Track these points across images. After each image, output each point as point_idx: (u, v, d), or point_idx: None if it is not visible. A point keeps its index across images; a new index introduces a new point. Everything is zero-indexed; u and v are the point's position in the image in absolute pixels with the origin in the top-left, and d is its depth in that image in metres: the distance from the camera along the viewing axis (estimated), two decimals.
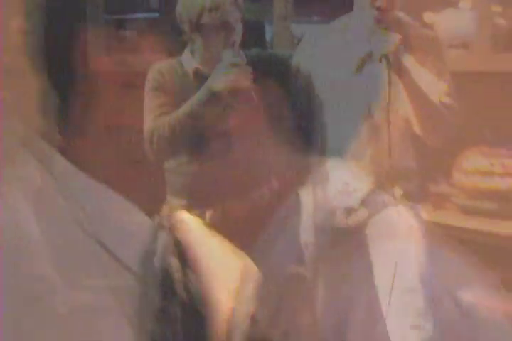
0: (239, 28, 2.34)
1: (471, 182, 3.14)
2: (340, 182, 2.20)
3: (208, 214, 2.41)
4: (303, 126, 2.34)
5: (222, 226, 2.37)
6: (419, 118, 2.11)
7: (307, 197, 2.31)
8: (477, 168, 3.14)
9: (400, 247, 2.18)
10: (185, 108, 2.24)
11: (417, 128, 2.15)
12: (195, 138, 2.29)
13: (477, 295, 3.21)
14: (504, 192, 3.13)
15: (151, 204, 2.57)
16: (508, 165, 3.13)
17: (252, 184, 2.45)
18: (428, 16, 3.53)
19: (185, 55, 2.43)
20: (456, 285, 2.32)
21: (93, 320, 3.34)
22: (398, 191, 2.25)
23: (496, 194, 3.13)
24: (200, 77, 2.33)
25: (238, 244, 2.34)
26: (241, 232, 2.37)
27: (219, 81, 2.19)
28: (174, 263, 2.35)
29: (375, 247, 2.21)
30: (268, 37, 4.36)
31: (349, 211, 2.19)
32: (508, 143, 3.25)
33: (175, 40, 2.60)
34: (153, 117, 2.28)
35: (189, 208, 2.42)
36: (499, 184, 3.13)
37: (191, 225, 2.41)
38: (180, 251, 2.36)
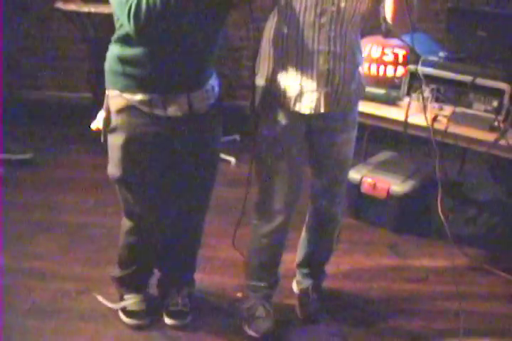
0: None
1: (365, 69, 3.35)
2: None
3: (171, 109, 2.33)
4: None
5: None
6: (396, 9, 2.22)
7: None
8: (371, 56, 3.36)
9: None
10: None
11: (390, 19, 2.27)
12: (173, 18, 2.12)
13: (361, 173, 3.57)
14: (391, 79, 3.39)
15: None
16: (397, 54, 3.37)
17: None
18: None
19: None
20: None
21: None
22: None
23: (385, 81, 3.39)
24: None
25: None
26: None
27: None
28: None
29: None
30: None
31: None
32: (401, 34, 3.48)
33: None
34: None
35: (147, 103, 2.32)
36: (388, 71, 3.38)
37: None
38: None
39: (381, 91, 3.36)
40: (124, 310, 2.78)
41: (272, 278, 2.80)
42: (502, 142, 2.94)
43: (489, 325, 2.88)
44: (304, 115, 2.42)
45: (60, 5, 4.36)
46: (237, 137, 4.64)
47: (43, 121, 4.69)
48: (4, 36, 4.83)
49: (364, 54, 3.36)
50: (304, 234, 2.89)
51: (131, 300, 2.79)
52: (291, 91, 2.37)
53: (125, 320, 2.76)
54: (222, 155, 4.32)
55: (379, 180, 3.55)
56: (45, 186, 3.85)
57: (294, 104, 2.38)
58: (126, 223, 2.64)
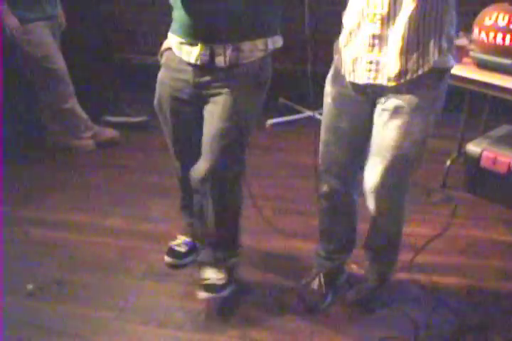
0: None
1: (489, 38, 3.21)
2: None
3: (193, 56, 2.40)
4: None
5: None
6: None
7: None
8: (497, 24, 3.21)
9: None
10: None
11: None
12: None
13: None
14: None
15: None
16: None
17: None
18: None
19: None
20: None
21: None
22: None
23: (511, 50, 3.23)
24: None
25: None
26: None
27: None
28: None
29: None
30: None
31: None
32: None
33: None
34: None
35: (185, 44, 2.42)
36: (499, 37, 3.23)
37: None
38: None
39: (507, 61, 3.21)
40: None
41: (328, 247, 2.72)
42: None
43: None
44: (361, 86, 2.24)
45: None
46: None
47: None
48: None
49: (489, 22, 3.25)
50: None
51: None
52: (347, 61, 2.23)
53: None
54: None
55: (500, 154, 3.41)
56: (160, 150, 3.90)
57: (349, 73, 2.24)
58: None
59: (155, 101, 2.60)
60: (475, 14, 3.31)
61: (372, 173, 2.32)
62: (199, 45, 2.37)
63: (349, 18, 2.19)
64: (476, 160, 3.47)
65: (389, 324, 2.63)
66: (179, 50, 2.43)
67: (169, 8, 2.46)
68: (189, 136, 2.61)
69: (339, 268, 2.79)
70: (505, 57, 3.22)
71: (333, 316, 2.67)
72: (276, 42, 2.45)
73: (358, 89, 2.27)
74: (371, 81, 2.19)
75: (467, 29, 3.33)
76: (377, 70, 2.17)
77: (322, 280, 2.73)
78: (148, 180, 3.69)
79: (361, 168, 2.43)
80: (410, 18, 2.07)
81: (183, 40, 2.41)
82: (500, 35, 3.24)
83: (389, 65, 2.15)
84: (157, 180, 3.68)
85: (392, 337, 2.54)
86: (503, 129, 3.74)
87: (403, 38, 2.10)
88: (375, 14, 2.10)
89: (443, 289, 2.80)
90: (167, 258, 2.95)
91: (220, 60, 2.37)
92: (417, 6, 2.05)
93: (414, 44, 2.12)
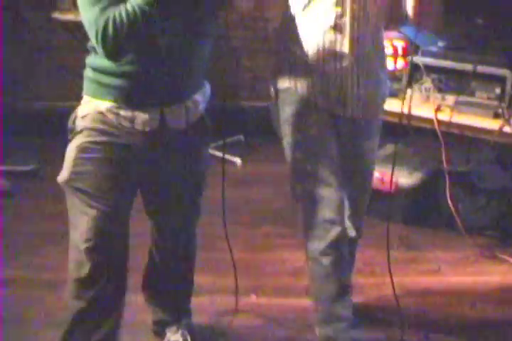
0: None
1: None
2: None
3: (139, 122, 2.15)
4: None
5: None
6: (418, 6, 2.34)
7: None
8: None
9: None
10: None
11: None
12: (145, 35, 2.01)
13: None
14: (392, 72, 3.37)
15: None
16: (397, 47, 3.36)
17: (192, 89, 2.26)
18: None
19: None
20: None
21: None
22: None
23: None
24: None
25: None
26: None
27: None
28: None
29: None
30: None
31: None
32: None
33: None
34: (100, 9, 1.92)
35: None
36: (389, 64, 3.36)
37: None
38: None
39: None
40: None
41: None
42: (506, 129, 2.92)
43: (503, 313, 2.88)
44: (334, 118, 2.35)
45: (56, 15, 4.33)
46: (242, 137, 4.63)
47: (45, 133, 4.68)
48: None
49: None
50: None
51: None
52: (323, 94, 2.30)
53: None
54: (228, 156, 4.30)
55: (386, 173, 3.52)
56: (51, 197, 3.81)
57: (333, 106, 2.32)
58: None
59: (70, 176, 2.21)
60: None
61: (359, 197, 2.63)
62: (146, 109, 2.15)
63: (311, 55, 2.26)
64: None
65: None
66: (115, 116, 2.14)
67: (80, 67, 2.29)
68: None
69: None
70: None
71: None
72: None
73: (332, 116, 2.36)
74: (353, 113, 2.35)
75: None
76: (357, 104, 2.33)
77: None
78: (40, 228, 3.61)
79: None
80: (372, 55, 2.30)
81: (119, 106, 2.13)
82: None
83: (364, 97, 2.33)
84: (50, 228, 3.59)
85: None
86: (387, 149, 3.85)
87: (372, 72, 2.33)
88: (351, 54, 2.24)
89: None
90: None
91: (174, 123, 2.20)
92: (373, 42, 2.30)
93: (378, 76, 2.37)
